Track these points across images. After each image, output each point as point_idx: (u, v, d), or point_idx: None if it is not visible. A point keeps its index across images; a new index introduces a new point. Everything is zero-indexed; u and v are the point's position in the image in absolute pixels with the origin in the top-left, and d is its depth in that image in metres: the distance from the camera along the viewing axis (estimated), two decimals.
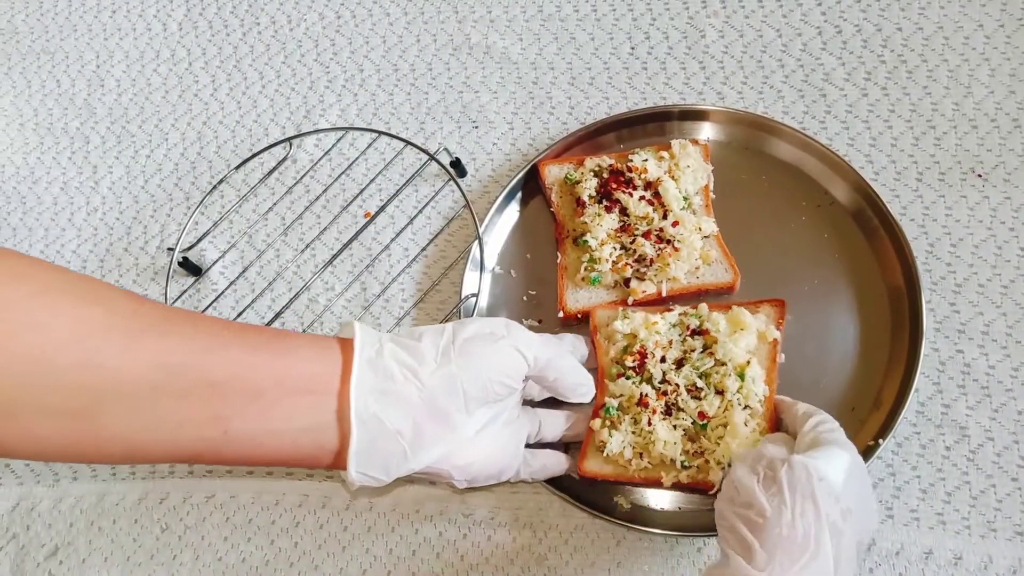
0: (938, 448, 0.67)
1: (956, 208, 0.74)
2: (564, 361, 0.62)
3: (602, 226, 0.71)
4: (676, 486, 0.65)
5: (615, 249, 0.71)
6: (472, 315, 0.73)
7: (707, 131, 0.78)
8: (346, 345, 0.56)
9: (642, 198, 0.72)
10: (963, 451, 0.67)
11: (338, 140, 0.83)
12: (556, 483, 0.67)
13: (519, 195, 0.78)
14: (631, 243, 0.71)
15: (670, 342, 0.67)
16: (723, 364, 0.65)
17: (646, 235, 0.71)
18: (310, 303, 0.78)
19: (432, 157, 0.78)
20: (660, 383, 0.66)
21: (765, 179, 0.76)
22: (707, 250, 0.72)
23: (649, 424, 0.64)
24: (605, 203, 0.73)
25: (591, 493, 0.68)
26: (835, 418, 0.67)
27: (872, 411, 0.67)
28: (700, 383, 0.65)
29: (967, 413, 0.67)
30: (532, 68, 0.85)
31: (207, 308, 0.78)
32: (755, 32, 0.82)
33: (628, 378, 0.66)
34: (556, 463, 0.66)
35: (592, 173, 0.74)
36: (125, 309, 0.51)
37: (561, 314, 0.72)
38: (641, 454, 0.65)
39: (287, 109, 0.87)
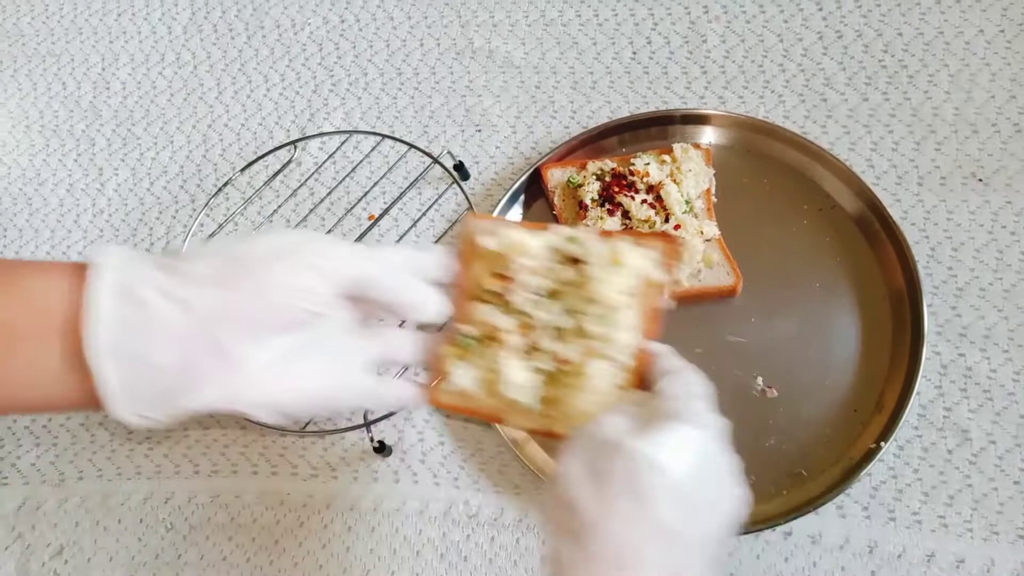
0: (940, 451, 0.67)
1: (957, 212, 0.74)
2: (390, 279, 0.50)
3: (605, 228, 0.71)
4: (532, 432, 0.57)
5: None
6: None
7: (709, 135, 0.78)
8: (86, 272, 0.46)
9: (644, 201, 0.72)
10: (965, 454, 0.67)
11: (342, 143, 0.83)
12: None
13: (522, 198, 0.78)
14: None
15: (546, 269, 0.54)
16: (593, 303, 0.53)
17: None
18: None
19: (435, 160, 0.78)
20: (522, 315, 0.54)
21: (767, 183, 0.76)
22: (709, 253, 0.72)
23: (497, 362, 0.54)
24: (608, 206, 0.73)
25: None
26: (837, 421, 0.68)
27: (874, 414, 0.68)
28: (565, 322, 0.53)
29: (969, 416, 0.68)
30: (535, 72, 0.85)
31: None
32: (756, 37, 0.83)
33: (490, 304, 0.55)
34: (408, 395, 0.55)
35: (594, 176, 0.75)
36: None
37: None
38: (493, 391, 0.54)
39: (291, 112, 0.87)
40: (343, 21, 0.91)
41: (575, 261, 0.53)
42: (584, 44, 0.86)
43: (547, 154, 0.78)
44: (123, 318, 0.45)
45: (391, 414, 0.73)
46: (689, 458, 0.44)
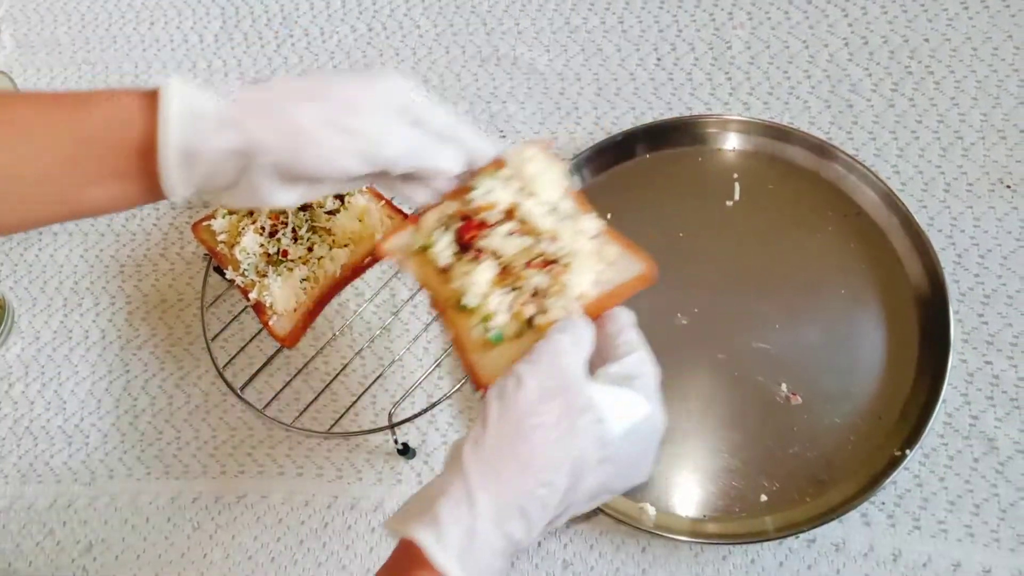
0: (966, 460, 0.67)
1: (984, 219, 0.73)
2: (426, 163, 0.56)
3: (478, 281, 0.58)
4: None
5: (504, 295, 0.58)
6: None
7: (733, 141, 0.78)
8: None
9: (509, 234, 0.59)
10: (992, 463, 0.66)
11: None
12: None
13: None
14: (518, 281, 0.58)
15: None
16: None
17: (530, 264, 0.58)
18: (340, 307, 0.80)
19: None
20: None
21: (791, 189, 0.76)
22: (602, 249, 0.59)
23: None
24: (470, 255, 0.59)
25: (617, 500, 0.68)
26: (862, 429, 0.68)
27: (899, 421, 0.67)
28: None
29: (996, 425, 0.67)
30: (559, 79, 0.86)
31: (241, 312, 0.79)
32: (781, 43, 0.83)
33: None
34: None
35: (441, 229, 0.60)
36: None
37: (480, 393, 0.58)
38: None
39: None
40: (370, 30, 0.92)
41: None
42: (608, 50, 0.86)
43: (569, 160, 0.79)
44: (184, 122, 0.50)
45: (418, 415, 0.73)
46: (627, 424, 0.49)
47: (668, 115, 0.82)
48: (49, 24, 1.00)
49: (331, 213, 0.72)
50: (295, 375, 0.75)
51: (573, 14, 0.88)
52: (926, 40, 0.80)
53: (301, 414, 0.74)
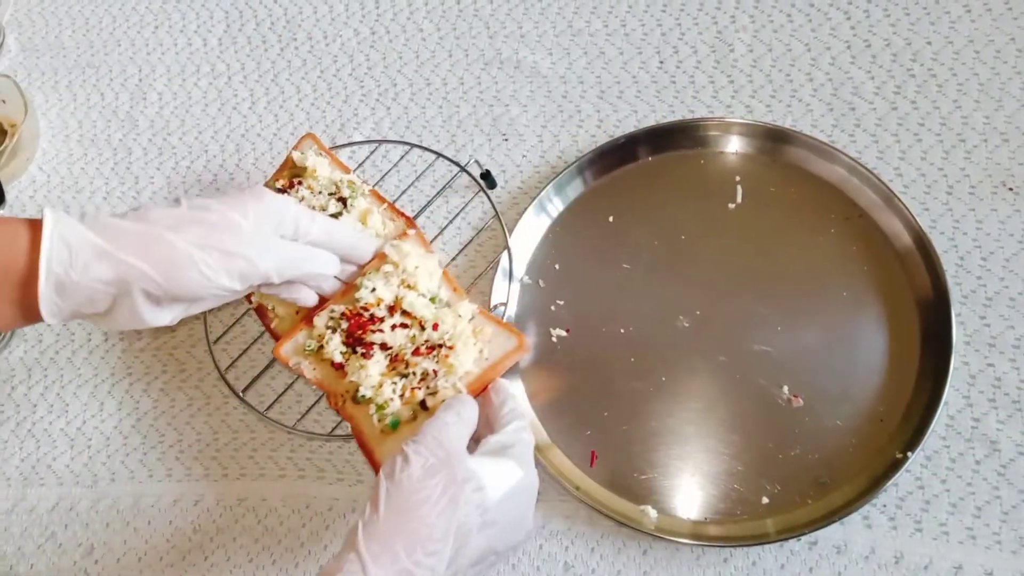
0: (968, 462, 0.66)
1: (986, 221, 0.73)
2: (305, 269, 0.64)
3: (370, 374, 0.64)
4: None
5: (394, 384, 0.64)
6: None
7: (735, 144, 0.78)
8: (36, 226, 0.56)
9: (394, 326, 0.66)
10: (994, 465, 0.66)
11: (371, 152, 0.85)
12: (585, 491, 0.68)
13: (548, 207, 0.79)
14: (407, 368, 0.65)
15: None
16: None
17: (416, 352, 0.65)
18: None
19: (463, 168, 0.79)
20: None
21: (793, 191, 0.76)
22: (479, 329, 0.66)
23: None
24: (361, 351, 0.66)
25: (618, 503, 0.68)
26: (864, 431, 0.67)
27: (901, 424, 0.67)
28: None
29: (998, 427, 0.67)
30: (561, 82, 0.86)
31: (243, 315, 0.80)
32: (784, 46, 0.83)
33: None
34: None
35: (329, 331, 0.68)
36: None
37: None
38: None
39: (323, 122, 0.89)
40: (374, 33, 0.92)
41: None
42: (611, 54, 0.86)
43: (572, 163, 0.79)
44: (59, 255, 0.55)
45: None
46: (504, 489, 0.55)
47: (670, 118, 0.82)
48: (54, 28, 1.01)
49: (334, 216, 0.72)
50: (297, 378, 0.76)
51: (576, 17, 0.89)
52: (929, 43, 0.80)
53: (303, 417, 0.74)
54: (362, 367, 0.64)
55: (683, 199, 0.77)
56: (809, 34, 0.83)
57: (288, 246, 0.63)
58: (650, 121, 0.82)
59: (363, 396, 0.64)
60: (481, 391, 0.64)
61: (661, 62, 0.85)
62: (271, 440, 0.77)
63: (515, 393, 0.63)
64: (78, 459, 0.79)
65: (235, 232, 0.59)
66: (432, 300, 0.67)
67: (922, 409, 0.66)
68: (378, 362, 0.65)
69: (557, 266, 0.77)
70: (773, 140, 0.77)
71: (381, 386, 0.64)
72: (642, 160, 0.80)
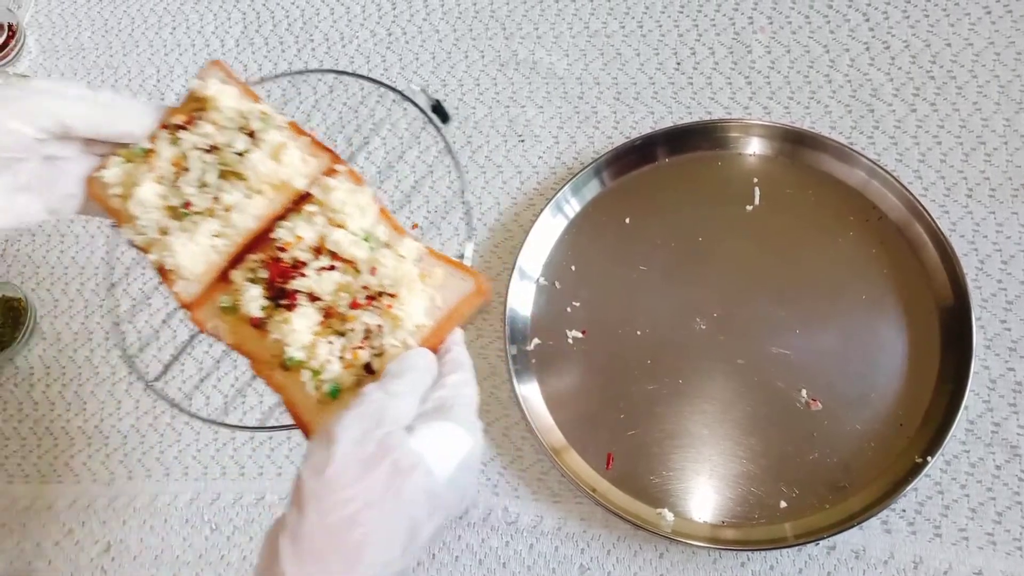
0: (988, 467, 0.66)
1: (1007, 224, 0.73)
2: (97, 117, 0.55)
3: (298, 328, 0.53)
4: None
5: (331, 344, 0.53)
6: (505, 327, 0.74)
7: (753, 146, 0.78)
8: None
9: (321, 269, 0.54)
10: (1014, 470, 0.65)
11: (314, 90, 0.85)
12: (602, 494, 0.68)
13: (564, 208, 0.79)
14: (345, 324, 0.53)
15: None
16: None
17: (354, 305, 0.53)
18: None
19: (407, 98, 0.68)
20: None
21: (812, 194, 0.76)
22: (428, 272, 0.54)
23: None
24: (284, 303, 0.54)
25: (635, 505, 0.68)
26: (883, 435, 0.67)
27: (920, 428, 0.67)
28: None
29: (1018, 432, 0.66)
30: (578, 83, 0.86)
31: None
32: (802, 48, 0.83)
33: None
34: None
35: (248, 282, 0.55)
36: None
37: None
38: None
39: (339, 123, 0.89)
40: (390, 34, 0.93)
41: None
42: (628, 55, 0.86)
43: (589, 164, 0.79)
44: None
45: None
46: (454, 464, 0.45)
47: (688, 119, 0.82)
48: (73, 29, 1.01)
49: (239, 155, 0.57)
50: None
51: (592, 18, 0.88)
52: (948, 44, 0.80)
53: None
54: (285, 321, 0.52)
55: (700, 201, 0.77)
56: (828, 35, 0.83)
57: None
58: (667, 122, 0.82)
59: (293, 359, 0.52)
60: (437, 348, 0.52)
61: (678, 63, 0.85)
62: (288, 440, 0.77)
63: (459, 340, 0.52)
64: (96, 457, 0.80)
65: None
66: (367, 239, 0.55)
67: (942, 413, 0.66)
68: (306, 316, 0.53)
69: (573, 267, 0.77)
70: (791, 142, 0.77)
71: (315, 347, 0.52)
72: (659, 161, 0.79)
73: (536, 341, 0.75)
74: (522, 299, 0.76)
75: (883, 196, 0.74)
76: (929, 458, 0.64)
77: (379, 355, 0.51)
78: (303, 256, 0.54)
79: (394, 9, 0.93)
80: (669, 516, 0.67)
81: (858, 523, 0.63)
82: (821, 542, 0.65)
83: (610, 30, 0.88)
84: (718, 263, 0.75)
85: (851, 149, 0.75)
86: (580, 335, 0.75)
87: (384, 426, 0.44)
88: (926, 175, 0.76)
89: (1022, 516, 0.64)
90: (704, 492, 0.68)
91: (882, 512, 0.64)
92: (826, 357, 0.70)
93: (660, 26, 0.87)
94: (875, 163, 0.74)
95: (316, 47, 0.94)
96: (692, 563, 0.67)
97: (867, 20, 0.82)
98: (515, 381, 0.72)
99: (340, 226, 0.55)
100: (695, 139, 0.79)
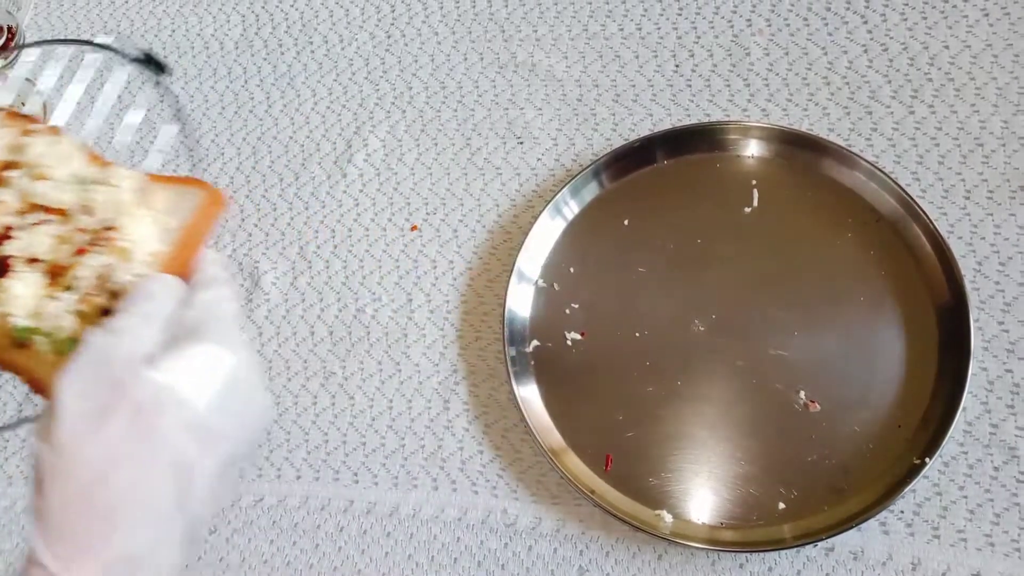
0: (986, 468, 0.66)
1: (1005, 226, 0.73)
2: None
3: (21, 296, 0.48)
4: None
5: (59, 300, 0.48)
6: (504, 329, 0.74)
7: (751, 147, 0.78)
8: None
9: (32, 226, 0.50)
10: (1012, 472, 0.66)
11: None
12: (600, 495, 0.68)
13: (563, 210, 0.79)
14: (68, 274, 0.49)
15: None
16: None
17: (80, 252, 0.49)
18: (358, 313, 0.80)
19: (100, 46, 0.69)
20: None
21: (810, 196, 0.76)
22: (149, 196, 0.51)
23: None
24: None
25: (633, 507, 0.68)
26: (881, 437, 0.67)
27: (918, 430, 0.67)
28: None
29: (1017, 433, 0.66)
30: (577, 85, 0.86)
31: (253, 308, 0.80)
32: (800, 50, 0.83)
33: None
34: None
35: None
36: None
37: None
38: None
39: (338, 126, 0.89)
40: (389, 37, 0.93)
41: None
42: (627, 57, 0.86)
43: (588, 166, 0.79)
44: None
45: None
46: (216, 387, 0.40)
47: (686, 121, 0.82)
48: (72, 32, 1.02)
49: None
50: None
51: (591, 20, 0.89)
52: (946, 47, 0.80)
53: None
54: (3, 290, 0.48)
55: (699, 203, 0.77)
56: (826, 37, 0.83)
57: None
58: (666, 124, 0.82)
59: (19, 328, 0.48)
60: (185, 274, 0.49)
61: (677, 65, 0.85)
62: (288, 441, 0.77)
63: (211, 258, 0.48)
64: None
65: None
66: (79, 184, 0.52)
67: (940, 415, 0.66)
68: (28, 281, 0.49)
69: (572, 269, 0.77)
70: (790, 144, 0.77)
71: (43, 312, 0.48)
72: (658, 163, 0.80)
73: (535, 343, 0.75)
74: (521, 301, 0.76)
75: (881, 198, 0.74)
76: (927, 460, 0.64)
77: (116, 296, 0.47)
78: (9, 221, 0.50)
79: (393, 11, 0.94)
80: (668, 518, 0.67)
81: (856, 524, 0.63)
82: (819, 543, 0.65)
83: (608, 32, 0.88)
84: (717, 265, 0.75)
85: (849, 151, 0.75)
86: (579, 337, 0.75)
87: (113, 367, 0.39)
88: (924, 177, 0.76)
89: (1020, 517, 0.64)
90: (703, 494, 0.68)
91: (880, 513, 0.64)
92: (824, 359, 0.70)
93: (658, 28, 0.87)
94: (873, 165, 0.74)
95: (315, 49, 0.94)
96: (691, 564, 0.67)
97: (865, 22, 0.83)
98: (514, 383, 0.72)
99: (43, 178, 0.51)
100: (693, 141, 0.79)
